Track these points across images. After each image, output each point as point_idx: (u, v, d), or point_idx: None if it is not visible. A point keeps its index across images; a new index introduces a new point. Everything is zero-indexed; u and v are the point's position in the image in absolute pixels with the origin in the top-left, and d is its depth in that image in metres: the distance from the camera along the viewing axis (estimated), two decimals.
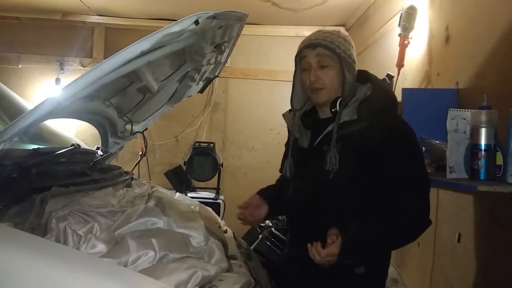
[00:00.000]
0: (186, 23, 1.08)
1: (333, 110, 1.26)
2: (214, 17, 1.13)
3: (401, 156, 1.20)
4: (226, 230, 1.81)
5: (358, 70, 1.31)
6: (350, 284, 1.24)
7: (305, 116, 1.36)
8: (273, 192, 1.48)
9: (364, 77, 1.31)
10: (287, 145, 1.43)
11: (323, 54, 1.25)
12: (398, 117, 1.32)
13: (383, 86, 1.32)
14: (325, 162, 1.21)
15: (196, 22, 1.09)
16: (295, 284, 1.35)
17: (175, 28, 1.09)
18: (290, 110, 1.42)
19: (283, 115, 1.45)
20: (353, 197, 1.21)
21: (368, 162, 1.19)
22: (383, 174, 1.19)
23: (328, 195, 1.24)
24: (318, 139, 1.29)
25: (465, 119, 1.42)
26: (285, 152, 1.44)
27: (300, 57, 1.30)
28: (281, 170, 1.43)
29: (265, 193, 1.48)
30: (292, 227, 1.45)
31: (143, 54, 1.12)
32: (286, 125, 1.45)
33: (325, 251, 1.11)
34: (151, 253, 1.07)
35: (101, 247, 1.04)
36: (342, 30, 1.32)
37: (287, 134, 1.46)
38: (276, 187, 1.52)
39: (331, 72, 1.26)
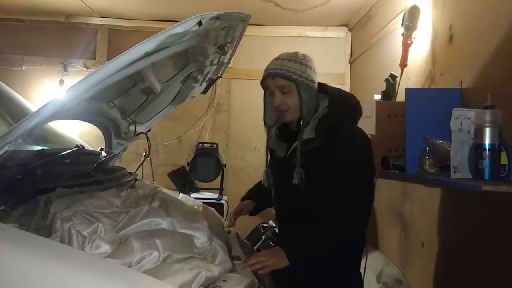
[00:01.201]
0: (189, 24, 1.09)
1: (297, 126, 1.45)
2: (217, 18, 1.13)
3: (348, 167, 1.35)
4: (230, 230, 1.81)
5: (318, 83, 1.46)
6: (330, 266, 1.40)
7: (280, 130, 1.54)
8: (259, 192, 1.69)
9: (323, 90, 1.47)
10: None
11: (281, 83, 1.41)
12: (350, 130, 1.44)
13: (339, 99, 1.47)
14: (293, 177, 1.39)
15: (200, 23, 1.09)
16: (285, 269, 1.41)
17: (179, 29, 1.09)
18: None
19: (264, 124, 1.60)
20: (320, 200, 1.40)
21: (328, 171, 1.37)
22: (336, 180, 1.35)
23: (300, 203, 1.45)
24: (288, 152, 1.47)
25: (469, 118, 1.42)
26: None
27: (265, 84, 1.47)
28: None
29: (251, 196, 1.74)
30: (280, 223, 1.66)
31: (147, 55, 1.12)
32: None
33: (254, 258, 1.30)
34: (155, 254, 1.08)
35: (105, 248, 1.05)
36: (299, 52, 1.47)
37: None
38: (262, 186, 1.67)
39: (292, 95, 1.41)
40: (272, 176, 1.55)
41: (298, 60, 1.42)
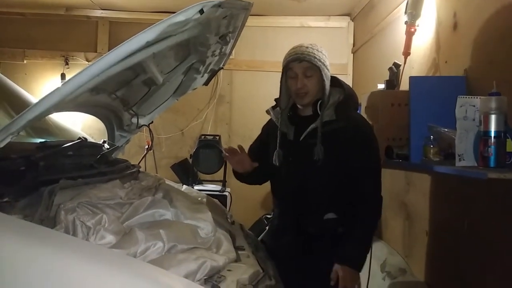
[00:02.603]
0: (191, 12, 1.07)
1: (314, 109, 1.60)
2: (219, 5, 1.12)
3: (363, 151, 1.59)
4: (234, 221, 1.81)
5: (331, 76, 1.62)
6: (331, 242, 1.57)
7: (290, 114, 1.68)
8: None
9: (336, 82, 1.65)
10: (265, 134, 1.79)
11: (307, 66, 1.56)
12: (361, 117, 1.74)
13: (351, 92, 1.66)
14: (313, 154, 1.54)
15: (201, 11, 1.08)
16: (287, 248, 1.64)
17: (180, 17, 1.08)
18: (273, 107, 1.72)
19: (266, 111, 1.73)
20: (333, 179, 1.59)
21: (343, 152, 1.57)
22: (350, 162, 1.57)
23: (315, 179, 1.59)
24: (304, 134, 1.60)
25: (474, 106, 1.40)
26: (259, 140, 1.83)
27: (287, 68, 1.60)
28: (251, 150, 1.82)
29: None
30: (282, 204, 1.75)
31: (148, 45, 1.11)
32: None
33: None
34: (160, 244, 1.08)
35: (110, 238, 1.05)
36: (318, 44, 1.63)
37: (263, 126, 1.83)
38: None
39: (313, 80, 1.58)
40: (282, 156, 1.65)
41: (319, 49, 1.59)
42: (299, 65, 1.56)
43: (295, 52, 1.57)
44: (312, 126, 1.57)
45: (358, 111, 1.80)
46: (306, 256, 1.61)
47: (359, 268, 1.56)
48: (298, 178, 1.62)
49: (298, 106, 1.67)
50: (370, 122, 1.97)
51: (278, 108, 1.70)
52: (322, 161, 1.54)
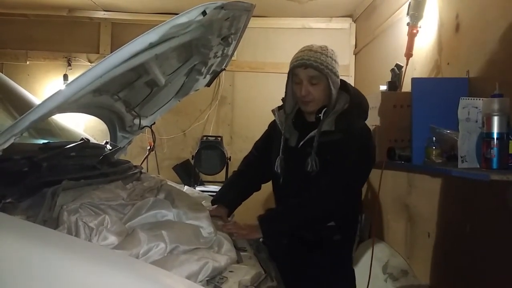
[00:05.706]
0: (193, 14, 1.08)
1: (317, 116, 1.52)
2: (221, 7, 1.12)
3: (349, 158, 1.47)
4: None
5: (340, 80, 1.54)
6: (329, 249, 1.56)
7: (296, 119, 1.61)
8: (232, 195, 1.72)
9: (344, 87, 1.56)
10: (268, 135, 1.73)
11: (313, 74, 1.47)
12: (362, 128, 1.55)
13: (358, 98, 1.57)
14: (307, 164, 1.48)
15: (204, 13, 1.08)
16: (285, 253, 1.60)
17: (183, 19, 1.08)
18: (279, 108, 1.65)
19: (272, 110, 1.67)
20: None
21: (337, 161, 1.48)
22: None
23: (309, 187, 1.50)
24: (302, 141, 1.53)
25: (476, 107, 1.41)
26: (263, 140, 1.78)
27: (292, 73, 1.52)
28: (256, 148, 1.82)
29: (223, 201, 1.70)
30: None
31: (151, 46, 1.11)
32: None
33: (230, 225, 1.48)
34: (162, 245, 1.07)
35: (112, 239, 1.05)
36: (328, 47, 1.52)
37: (270, 123, 1.75)
38: (234, 184, 1.78)
39: (319, 87, 1.49)
40: (284, 162, 1.59)
41: (329, 54, 1.48)
42: (304, 72, 1.47)
43: (301, 57, 1.47)
44: (311, 134, 1.51)
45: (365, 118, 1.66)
46: (302, 261, 1.60)
47: (262, 227, 1.47)
48: (295, 186, 1.58)
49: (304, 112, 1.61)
50: (373, 124, 1.97)
51: (282, 111, 1.63)
52: (316, 172, 1.48)
